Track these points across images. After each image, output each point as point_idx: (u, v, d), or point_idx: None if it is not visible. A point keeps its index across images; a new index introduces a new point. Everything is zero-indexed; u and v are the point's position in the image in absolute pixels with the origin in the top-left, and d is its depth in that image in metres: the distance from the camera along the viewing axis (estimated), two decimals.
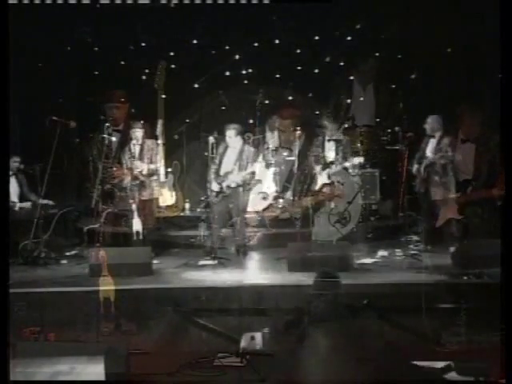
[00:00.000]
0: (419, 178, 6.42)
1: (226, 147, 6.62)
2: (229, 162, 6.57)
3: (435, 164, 6.14)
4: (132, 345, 3.86)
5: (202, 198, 6.79)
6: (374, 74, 8.50)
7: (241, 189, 6.46)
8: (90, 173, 7.13)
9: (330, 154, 7.07)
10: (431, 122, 6.58)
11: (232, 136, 6.53)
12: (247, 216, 6.97)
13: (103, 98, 7.42)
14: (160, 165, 6.53)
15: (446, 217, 5.74)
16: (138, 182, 6.45)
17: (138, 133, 6.59)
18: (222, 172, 6.55)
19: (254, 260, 6.48)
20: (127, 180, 6.42)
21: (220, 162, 6.59)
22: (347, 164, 6.92)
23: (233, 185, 6.42)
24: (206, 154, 6.70)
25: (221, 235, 6.56)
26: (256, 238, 6.98)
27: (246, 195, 6.67)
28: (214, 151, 6.56)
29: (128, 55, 8.16)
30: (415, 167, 6.44)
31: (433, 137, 6.49)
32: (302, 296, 4.77)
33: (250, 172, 6.51)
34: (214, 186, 6.47)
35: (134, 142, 6.62)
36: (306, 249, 5.79)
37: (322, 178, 6.83)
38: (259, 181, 7.36)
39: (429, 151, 6.48)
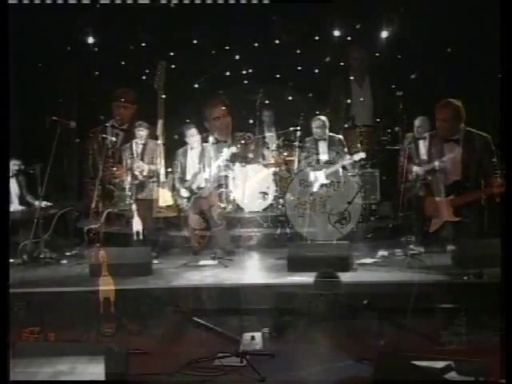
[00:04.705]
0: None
1: (186, 150, 6.68)
2: (193, 163, 6.63)
3: (431, 169, 5.98)
4: (132, 345, 3.85)
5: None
6: (366, 63, 8.40)
7: (212, 187, 6.49)
8: (90, 172, 7.13)
9: (332, 154, 7.08)
10: (420, 124, 6.54)
11: (194, 134, 6.62)
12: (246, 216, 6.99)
13: (112, 96, 7.43)
14: (160, 165, 6.55)
15: (440, 221, 5.62)
16: (138, 181, 6.47)
17: (142, 132, 6.62)
18: (188, 176, 6.61)
19: (252, 260, 6.49)
20: (127, 180, 6.42)
21: (184, 167, 6.64)
22: (347, 164, 6.92)
23: (203, 184, 6.46)
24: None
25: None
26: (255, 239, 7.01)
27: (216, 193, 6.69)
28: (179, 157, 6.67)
29: (128, 55, 8.16)
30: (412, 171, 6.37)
31: (423, 138, 6.46)
32: (301, 296, 4.77)
33: (218, 169, 6.57)
34: (183, 192, 6.52)
35: (137, 141, 6.64)
36: (305, 249, 5.79)
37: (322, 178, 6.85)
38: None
39: (421, 154, 6.44)
